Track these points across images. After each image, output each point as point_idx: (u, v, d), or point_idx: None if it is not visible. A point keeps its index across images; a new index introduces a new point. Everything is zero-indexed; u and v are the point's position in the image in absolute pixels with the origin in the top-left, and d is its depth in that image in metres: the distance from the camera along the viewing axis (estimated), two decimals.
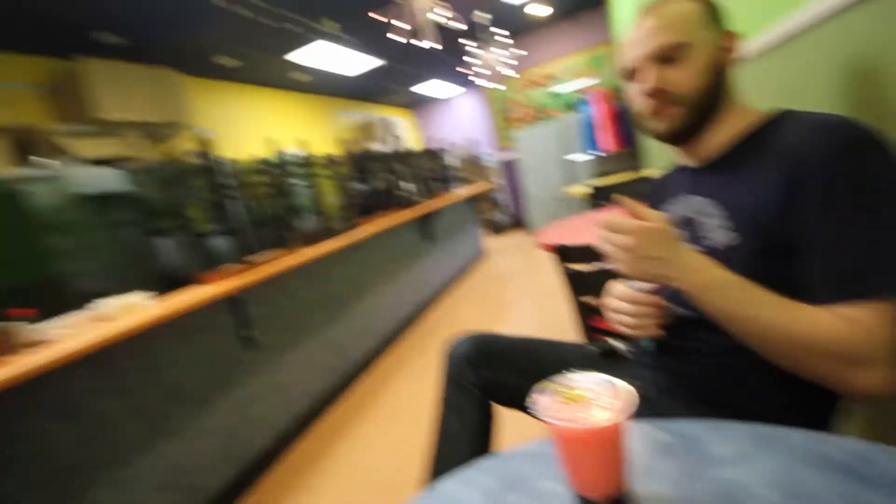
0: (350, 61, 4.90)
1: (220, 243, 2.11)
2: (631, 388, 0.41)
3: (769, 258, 0.62)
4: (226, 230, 1.87)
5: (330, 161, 3.06)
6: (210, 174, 1.78)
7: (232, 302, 1.93)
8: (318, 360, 2.40)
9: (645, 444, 0.51)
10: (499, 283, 4.12)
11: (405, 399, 2.32)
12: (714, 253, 0.65)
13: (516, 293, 3.56)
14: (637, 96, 0.74)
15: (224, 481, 1.76)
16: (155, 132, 3.79)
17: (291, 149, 3.66)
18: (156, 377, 1.61)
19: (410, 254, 3.63)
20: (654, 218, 0.63)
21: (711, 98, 0.70)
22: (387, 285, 3.20)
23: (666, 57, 0.69)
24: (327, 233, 2.41)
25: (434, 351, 2.86)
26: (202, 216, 2.95)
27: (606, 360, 0.93)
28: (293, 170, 2.89)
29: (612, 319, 0.76)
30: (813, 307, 0.56)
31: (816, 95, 0.86)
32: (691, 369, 0.72)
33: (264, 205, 2.56)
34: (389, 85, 6.57)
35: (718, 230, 0.68)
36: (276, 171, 2.12)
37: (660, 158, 3.55)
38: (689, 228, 0.73)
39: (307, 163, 2.30)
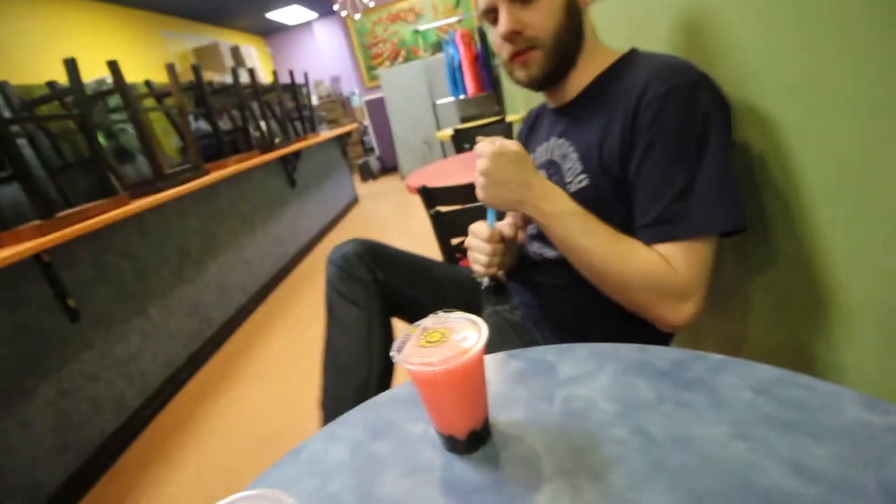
0: None
1: (12, 195, 1.67)
2: (484, 324, 0.40)
3: (613, 201, 0.66)
4: (15, 177, 1.47)
5: (152, 90, 2.54)
6: None
7: (44, 267, 1.57)
8: (169, 325, 2.13)
9: (501, 374, 0.53)
10: (372, 230, 4.06)
11: (278, 354, 2.20)
12: (572, 195, 0.67)
13: (390, 239, 3.54)
14: (496, 38, 0.71)
15: (63, 474, 1.51)
16: None
17: (105, 75, 2.97)
18: None
19: (275, 202, 3.33)
20: (510, 144, 0.64)
21: (568, 40, 0.69)
22: (249, 237, 2.92)
23: None
24: (162, 179, 2.05)
25: (307, 301, 2.74)
26: None
27: (487, 289, 0.95)
28: (112, 103, 2.36)
29: (468, 257, 0.77)
30: (639, 245, 0.62)
31: (661, 32, 0.92)
32: (549, 302, 0.77)
33: (72, 145, 2.06)
34: (234, 5, 5.67)
35: (574, 172, 0.70)
36: (82, 101, 1.70)
37: (522, 103, 3.70)
38: (556, 172, 0.74)
39: (121, 91, 1.87)
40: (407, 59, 6.08)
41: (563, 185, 0.72)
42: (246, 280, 2.79)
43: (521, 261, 0.85)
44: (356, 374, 0.82)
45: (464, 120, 3.76)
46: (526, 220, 0.83)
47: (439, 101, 5.36)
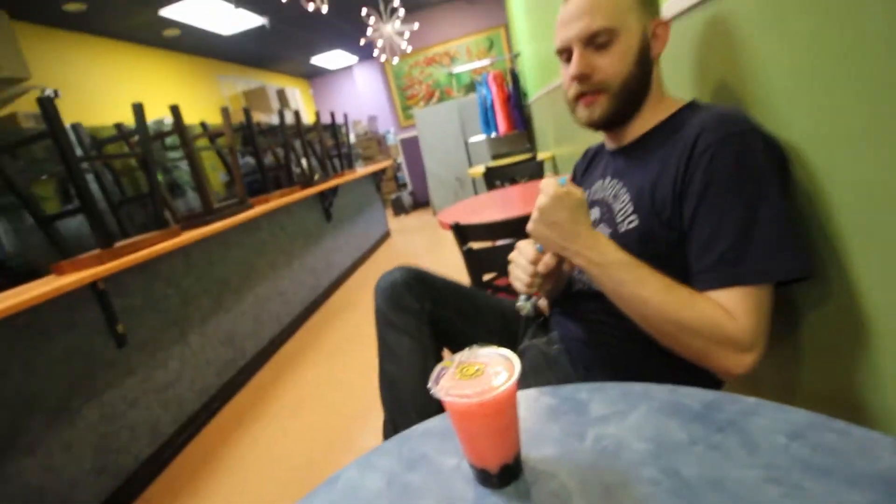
0: (226, 18, 4.40)
1: (76, 226, 1.82)
2: (517, 359, 0.42)
3: (663, 243, 0.66)
4: (82, 210, 1.60)
5: (206, 131, 2.75)
6: (55, 141, 1.49)
7: (99, 294, 1.68)
8: (207, 353, 2.21)
9: (533, 410, 0.54)
10: (404, 263, 4.12)
11: (310, 385, 2.24)
12: (619, 237, 0.69)
13: None
14: (566, 78, 0.74)
15: (98, 499, 1.56)
16: None
17: (164, 116, 3.22)
18: None
19: (311, 235, 3.46)
20: (575, 191, 0.66)
21: (636, 87, 0.71)
22: (285, 269, 3.02)
23: (595, 41, 0.69)
24: (211, 213, 2.18)
25: (339, 333, 2.79)
26: (50, 194, 2.51)
27: (528, 320, 0.95)
28: (167, 141, 2.56)
29: (510, 272, 0.77)
30: (695, 292, 0.61)
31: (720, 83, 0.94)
32: (592, 335, 0.77)
33: (131, 180, 2.24)
34: (282, 52, 6.10)
35: (623, 213, 0.71)
36: (143, 140, 1.85)
37: (553, 141, 3.77)
38: (607, 211, 0.76)
39: (180, 132, 2.03)
40: (441, 100, 6.32)
41: (613, 224, 0.73)
42: (280, 311, 2.88)
43: (568, 289, 0.85)
44: (418, 402, 0.83)
45: (495, 157, 3.85)
46: None
47: (471, 139, 5.51)
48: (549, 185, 0.67)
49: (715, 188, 0.61)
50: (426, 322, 0.88)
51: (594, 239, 0.65)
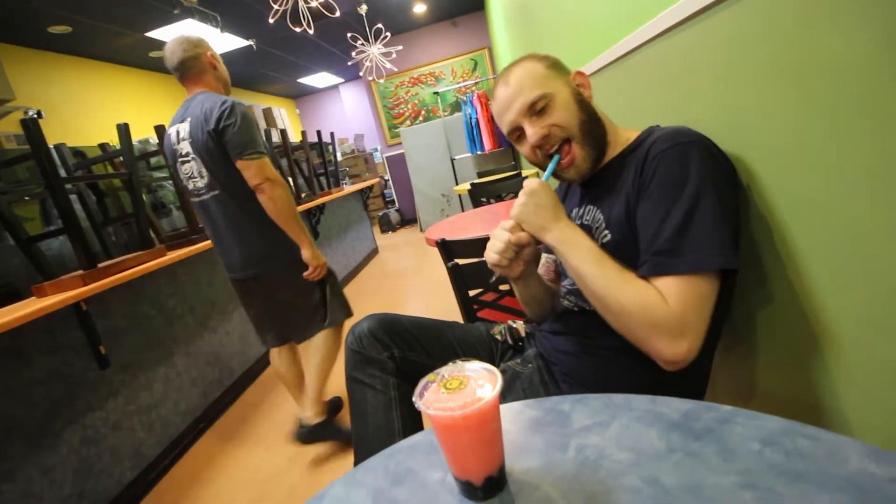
0: (213, 39, 4.45)
1: (58, 247, 1.79)
2: (499, 373, 0.43)
3: (633, 247, 0.71)
4: (63, 231, 1.59)
5: None
6: (39, 162, 1.48)
7: (81, 316, 1.65)
8: (192, 373, 2.17)
9: (517, 422, 0.54)
10: (391, 280, 4.11)
11: (297, 406, 2.20)
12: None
13: (408, 289, 3.59)
14: (530, 153, 0.80)
15: None
16: None
17: (149, 136, 3.22)
18: None
19: None
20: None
21: (594, 127, 0.78)
22: None
23: (535, 109, 0.76)
24: (197, 232, 2.17)
25: None
26: (34, 215, 2.48)
27: (504, 343, 0.99)
28: (154, 161, 2.55)
29: (487, 248, 0.81)
30: (639, 279, 0.66)
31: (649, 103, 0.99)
32: (576, 349, 0.81)
33: (115, 200, 2.22)
34: (268, 72, 6.14)
35: (601, 230, 0.77)
36: (128, 161, 1.85)
37: None
38: (587, 232, 0.80)
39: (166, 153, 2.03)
40: (427, 119, 6.39)
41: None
42: None
43: (555, 309, 0.91)
44: None
45: (481, 175, 3.89)
46: (558, 273, 0.90)
47: (457, 157, 5.57)
48: (534, 179, 0.75)
49: (659, 188, 0.67)
50: (392, 371, 0.92)
51: (571, 226, 0.73)
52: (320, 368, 1.69)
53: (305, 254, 1.60)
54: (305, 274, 1.62)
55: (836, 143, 0.51)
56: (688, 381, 0.74)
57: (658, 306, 0.62)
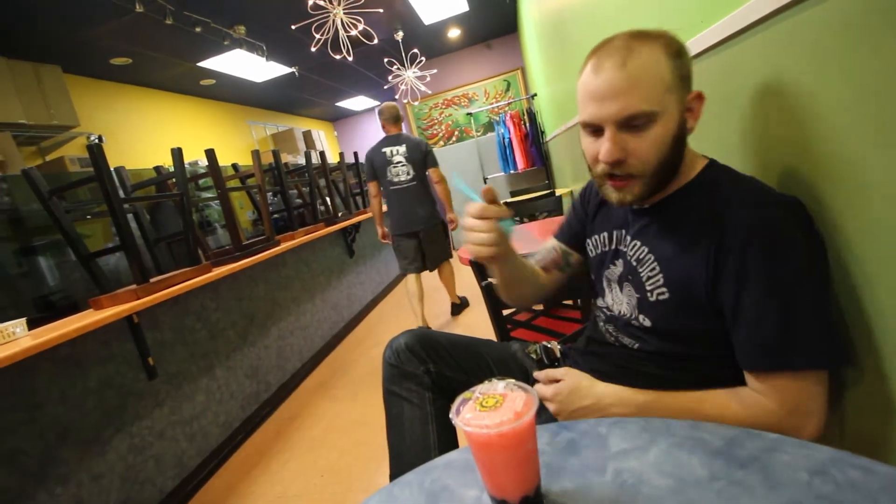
0: (258, 67, 4.72)
1: (114, 262, 1.91)
2: (535, 392, 0.44)
3: (696, 316, 0.67)
4: (121, 247, 1.70)
5: (237, 172, 2.91)
6: (101, 184, 1.60)
7: (133, 328, 1.75)
8: (232, 386, 2.24)
9: (553, 443, 0.54)
10: (425, 297, 4.13)
11: (331, 421, 2.23)
12: (649, 304, 0.71)
13: (441, 307, 3.60)
14: (593, 152, 0.69)
15: None
16: (31, 136, 3.36)
17: (198, 159, 3.42)
18: (31, 416, 1.41)
19: (334, 271, 3.53)
20: (565, 375, 0.73)
21: (669, 169, 0.68)
22: (308, 304, 3.08)
23: (630, 123, 0.63)
24: (241, 249, 2.27)
25: (361, 369, 2.79)
26: (94, 232, 2.66)
27: (539, 363, 0.97)
28: (201, 182, 2.69)
29: (468, 238, 0.75)
30: (724, 399, 0.62)
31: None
32: (614, 371, 0.77)
33: (167, 219, 2.35)
34: (309, 96, 6.41)
35: (653, 283, 0.71)
36: (180, 182, 1.97)
37: (571, 178, 3.81)
38: (632, 273, 0.75)
39: (214, 175, 2.15)
40: (460, 139, 6.49)
41: (641, 290, 0.72)
42: (303, 345, 2.91)
43: (593, 335, 0.88)
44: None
45: (514, 193, 3.90)
46: (558, 264, 0.96)
47: (490, 176, 5.61)
48: (545, 392, 0.74)
49: (752, 275, 0.59)
50: (429, 386, 0.92)
51: (613, 396, 0.69)
52: (452, 278, 3.22)
53: (451, 215, 3.13)
54: (450, 227, 3.15)
55: None
56: None
57: (769, 416, 0.58)
